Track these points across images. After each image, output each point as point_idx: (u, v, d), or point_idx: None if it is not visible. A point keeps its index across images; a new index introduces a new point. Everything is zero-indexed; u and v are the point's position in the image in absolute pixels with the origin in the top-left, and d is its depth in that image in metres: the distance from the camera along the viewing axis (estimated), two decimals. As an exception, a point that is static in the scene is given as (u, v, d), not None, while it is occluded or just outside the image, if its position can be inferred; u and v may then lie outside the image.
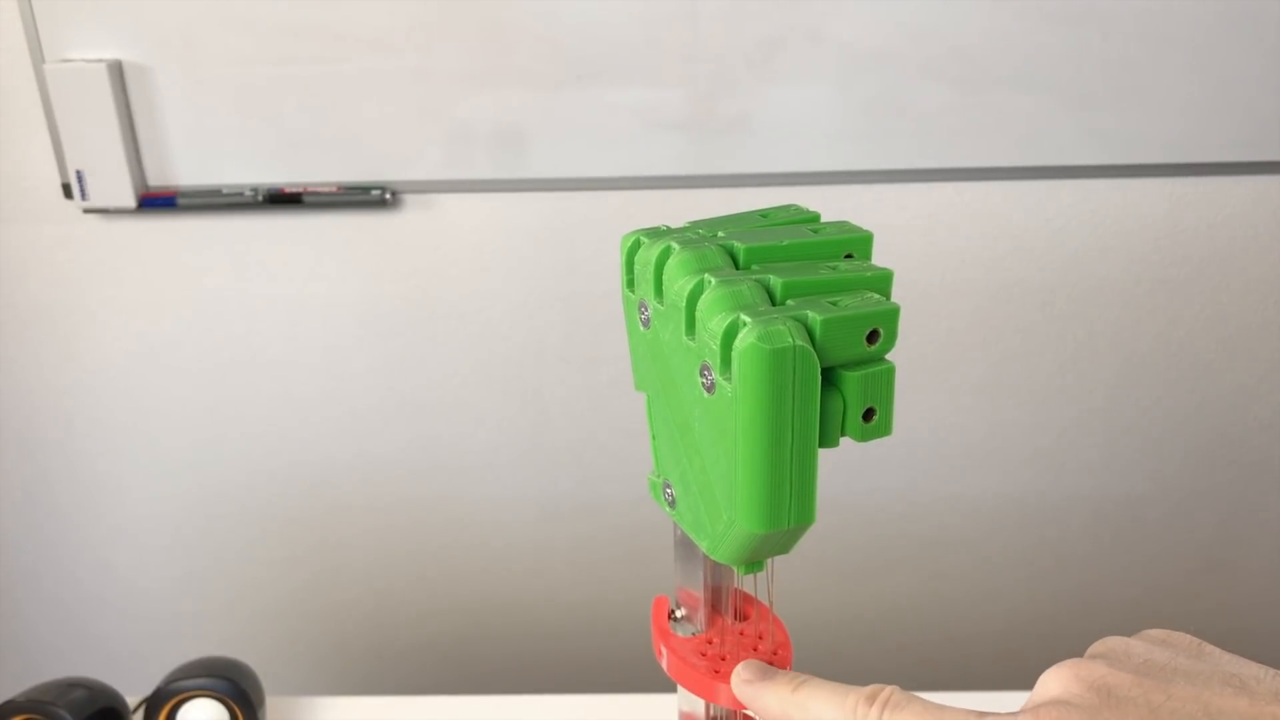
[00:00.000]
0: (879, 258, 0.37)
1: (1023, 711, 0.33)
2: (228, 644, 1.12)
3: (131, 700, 0.77)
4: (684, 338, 0.34)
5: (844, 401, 0.33)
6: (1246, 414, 1.02)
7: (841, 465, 1.02)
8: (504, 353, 0.99)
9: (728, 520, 0.34)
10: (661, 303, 0.36)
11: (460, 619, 1.12)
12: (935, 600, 1.11)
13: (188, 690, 0.72)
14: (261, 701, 0.75)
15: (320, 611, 1.12)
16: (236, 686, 0.73)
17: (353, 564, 1.09)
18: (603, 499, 1.06)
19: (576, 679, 1.14)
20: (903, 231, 0.94)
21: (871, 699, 0.34)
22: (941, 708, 0.34)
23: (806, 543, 1.17)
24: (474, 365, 1.00)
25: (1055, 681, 0.33)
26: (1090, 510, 1.07)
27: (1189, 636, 0.36)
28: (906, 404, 1.01)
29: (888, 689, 0.34)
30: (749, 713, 0.44)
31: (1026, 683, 1.14)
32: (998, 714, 0.33)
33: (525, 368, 1.00)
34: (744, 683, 0.38)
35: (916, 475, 1.04)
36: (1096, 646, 0.36)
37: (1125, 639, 0.36)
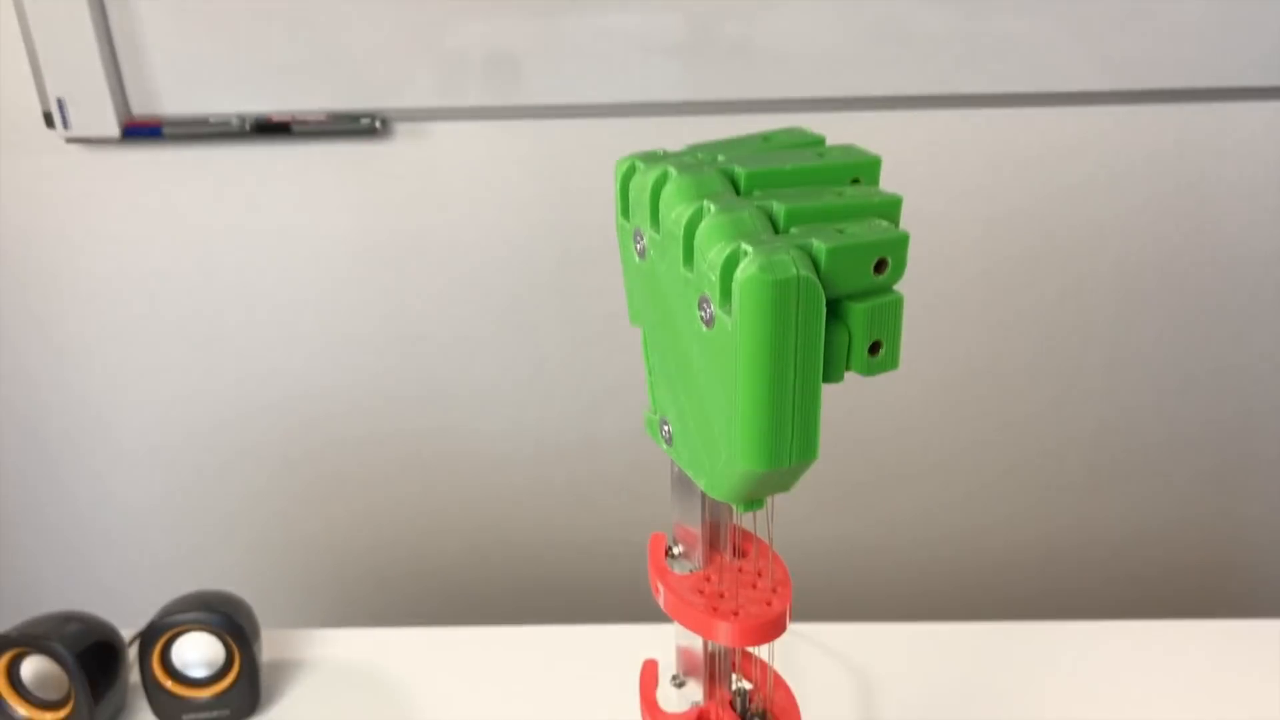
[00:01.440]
0: (881, 186, 0.35)
1: None
2: (224, 577, 1.12)
3: (127, 634, 0.76)
4: (681, 269, 0.33)
5: (849, 334, 0.32)
6: (1251, 343, 1.01)
7: (837, 393, 1.01)
8: (499, 285, 0.98)
9: (727, 458, 0.33)
10: (658, 231, 0.34)
11: (458, 551, 1.12)
12: (931, 529, 1.10)
13: (181, 624, 0.71)
14: (257, 634, 0.75)
15: (317, 544, 1.12)
16: (231, 620, 0.72)
17: (349, 496, 1.09)
18: (600, 432, 1.05)
19: (574, 610, 1.14)
20: (905, 159, 0.92)
21: None
22: None
23: (810, 478, 1.16)
24: (468, 298, 0.99)
25: None
26: (1090, 438, 1.06)
27: None
28: (906, 332, 1.00)
29: None
30: (749, 650, 0.43)
31: (1022, 612, 1.15)
32: None
33: (520, 300, 0.98)
34: None
35: (914, 404, 1.04)
36: None
37: None
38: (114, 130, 0.89)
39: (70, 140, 0.91)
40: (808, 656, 0.82)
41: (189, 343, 1.01)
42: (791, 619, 0.83)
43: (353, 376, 1.02)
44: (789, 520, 1.07)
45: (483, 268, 0.97)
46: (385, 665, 0.81)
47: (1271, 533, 1.11)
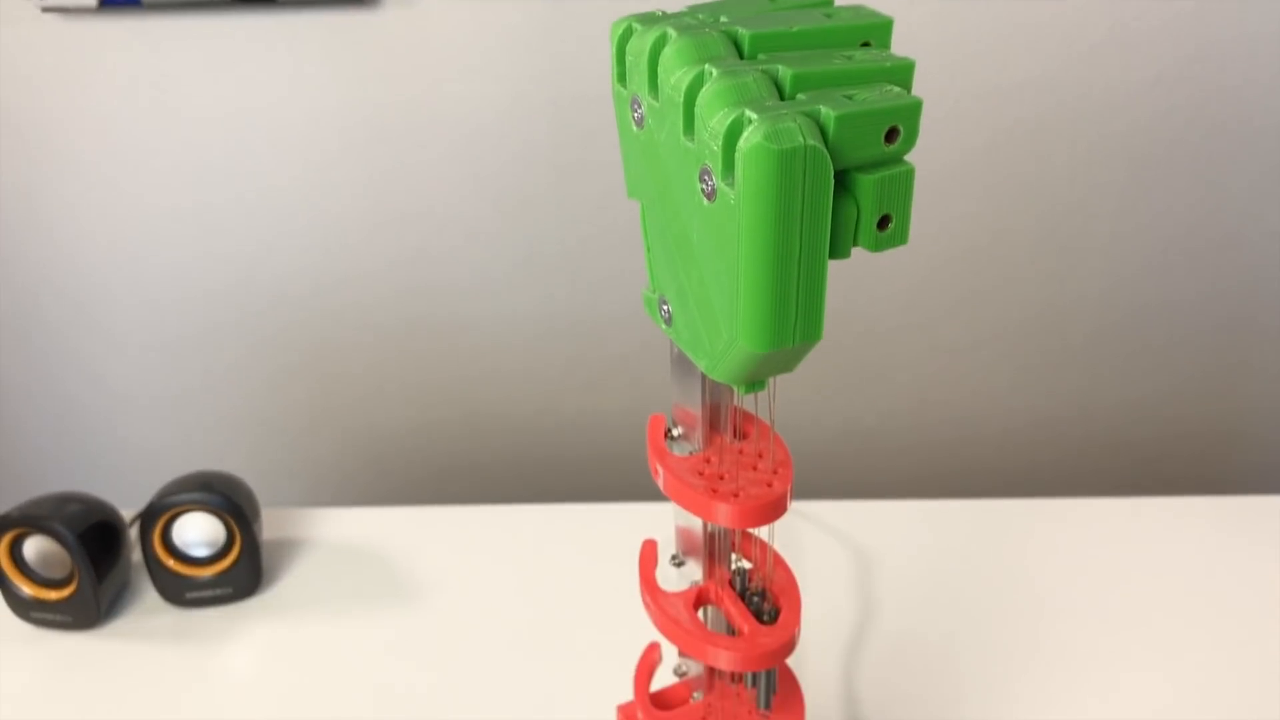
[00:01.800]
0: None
1: None
2: (224, 458, 1.12)
3: (127, 514, 0.77)
4: (682, 138, 0.31)
5: (858, 208, 0.30)
6: (1257, 219, 0.99)
7: (841, 273, 1.00)
8: (493, 161, 0.95)
9: (728, 338, 0.32)
10: (656, 99, 0.32)
11: (456, 431, 1.12)
12: (933, 407, 1.10)
13: (181, 504, 0.72)
14: (256, 514, 0.76)
15: (316, 424, 1.12)
16: (230, 500, 0.72)
17: (347, 376, 1.08)
18: (598, 312, 1.04)
19: (572, 489, 1.15)
20: (912, 26, 0.89)
21: None
22: None
23: (808, 360, 1.14)
24: (462, 175, 0.96)
25: None
26: (1093, 316, 1.05)
27: None
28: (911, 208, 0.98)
29: None
30: (751, 530, 0.43)
31: (1022, 490, 1.15)
32: None
33: (516, 177, 0.96)
34: None
35: (917, 283, 1.02)
36: None
37: None
38: (89, -2, 0.85)
39: (46, 10, 0.88)
40: (806, 534, 0.82)
41: (178, 223, 0.99)
42: (791, 499, 0.83)
43: (347, 256, 1.01)
44: (787, 401, 1.07)
45: (476, 143, 0.94)
46: (385, 543, 0.82)
47: (1273, 409, 1.11)
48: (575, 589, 0.75)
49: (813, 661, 0.69)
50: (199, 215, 0.99)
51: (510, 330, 1.05)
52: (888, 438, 1.12)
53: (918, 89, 0.31)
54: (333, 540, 0.83)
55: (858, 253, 0.32)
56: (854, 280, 1.01)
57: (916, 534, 0.82)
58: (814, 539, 0.81)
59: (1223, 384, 1.10)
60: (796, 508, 0.84)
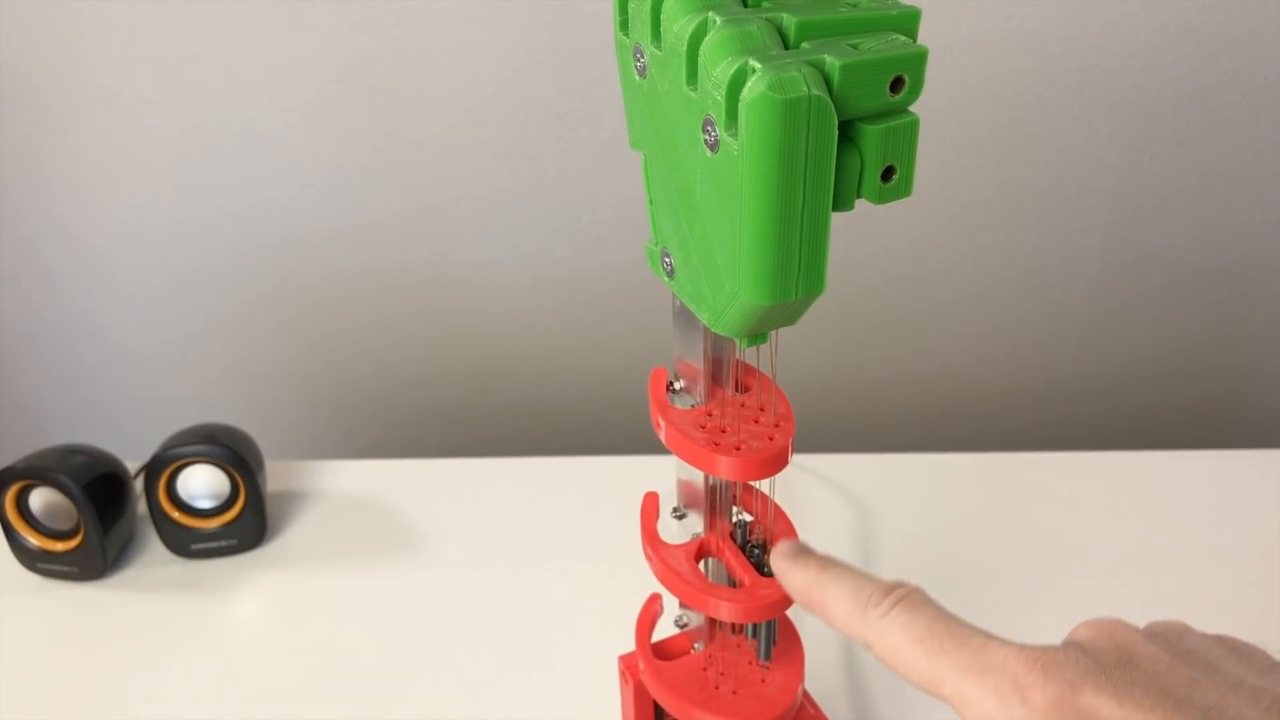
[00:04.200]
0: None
1: (1038, 646, 0.31)
2: (228, 410, 1.13)
3: (132, 466, 0.77)
4: (684, 88, 0.31)
5: (861, 159, 0.30)
6: (1265, 171, 0.98)
7: (843, 226, 0.99)
8: (494, 110, 0.94)
9: (730, 291, 0.32)
10: (659, 47, 0.32)
11: (460, 383, 1.12)
12: (934, 363, 1.10)
13: (185, 457, 0.72)
14: (261, 466, 0.76)
15: (319, 376, 1.12)
16: (234, 452, 0.73)
17: (349, 328, 1.08)
18: (601, 265, 1.03)
19: (576, 441, 1.15)
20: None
21: (888, 592, 0.34)
22: (952, 618, 0.33)
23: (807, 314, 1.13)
24: (463, 125, 0.95)
25: (1086, 630, 0.33)
26: (1095, 272, 1.04)
27: (1268, 655, 0.33)
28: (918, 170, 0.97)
29: (908, 586, 0.34)
30: (752, 483, 0.43)
31: (1020, 444, 1.15)
32: (1007, 641, 0.32)
33: (517, 126, 0.95)
34: (779, 555, 0.38)
35: (919, 236, 1.01)
36: (1156, 625, 0.34)
37: (1196, 631, 0.34)
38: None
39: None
40: (807, 487, 0.83)
41: (179, 170, 0.98)
42: (793, 452, 0.83)
43: (347, 207, 1.00)
44: (790, 354, 1.07)
45: (477, 91, 0.93)
46: (389, 496, 0.83)
47: (1275, 363, 1.11)
48: (579, 541, 0.75)
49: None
50: (195, 166, 0.98)
51: (512, 281, 1.05)
52: (889, 391, 1.12)
53: (923, 40, 0.31)
54: (337, 492, 0.83)
55: (860, 204, 0.32)
56: (856, 233, 1.00)
57: (918, 486, 0.82)
58: (815, 492, 0.82)
59: (1225, 338, 1.09)
60: (798, 461, 0.84)
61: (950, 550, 0.75)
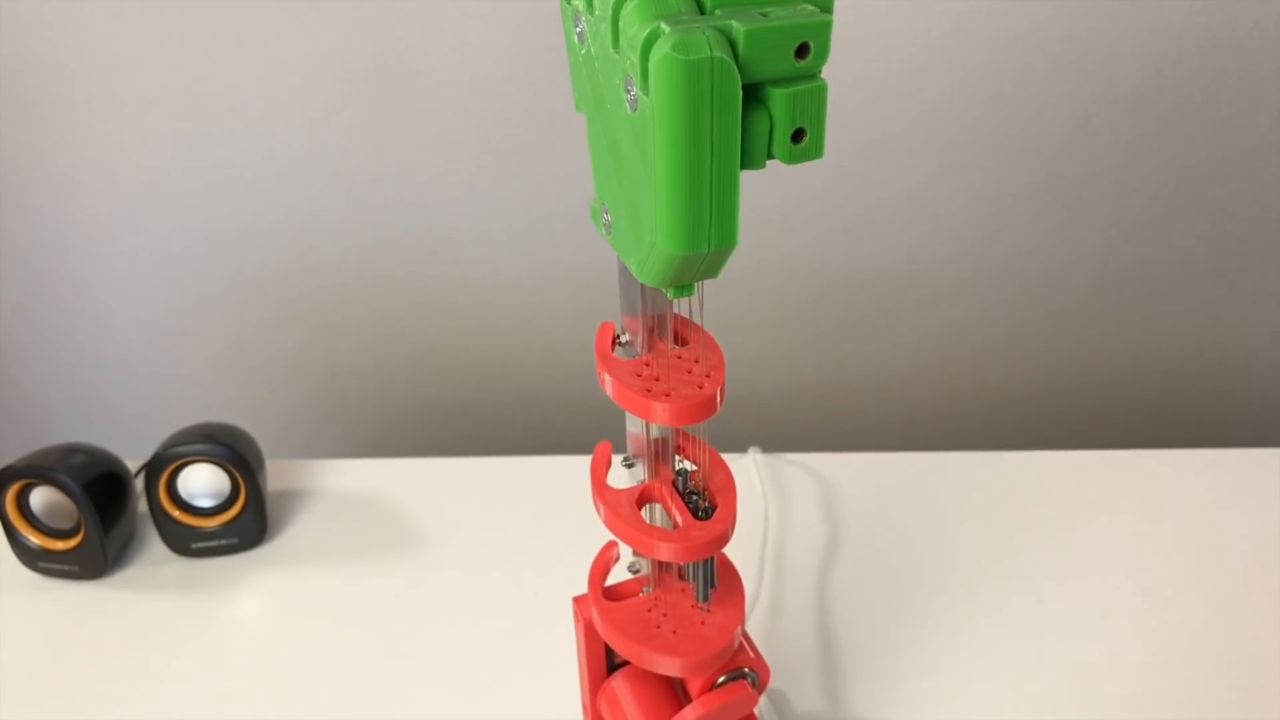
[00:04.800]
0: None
1: None
2: (229, 409, 1.14)
3: (133, 465, 0.78)
4: (611, 50, 0.33)
5: (771, 120, 0.33)
6: (1263, 169, 0.98)
7: (839, 225, 1.01)
8: (494, 110, 0.96)
9: (650, 242, 0.34)
10: (592, 13, 0.34)
11: (460, 381, 1.14)
12: (931, 361, 1.12)
13: (185, 456, 0.73)
14: (261, 465, 0.76)
15: (319, 374, 1.14)
16: (234, 451, 0.73)
17: (350, 327, 1.10)
18: (601, 262, 1.05)
19: (577, 440, 1.16)
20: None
21: None
22: None
23: (801, 304, 1.19)
24: (463, 125, 0.97)
25: None
26: (1094, 270, 1.06)
27: None
28: (912, 158, 0.98)
29: None
30: (686, 429, 0.46)
31: (1018, 443, 1.15)
32: None
33: (517, 126, 0.97)
34: None
35: (916, 235, 1.03)
36: None
37: None
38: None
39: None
40: (804, 485, 0.83)
41: (180, 169, 1.00)
42: (781, 449, 0.85)
43: (347, 208, 1.02)
44: (785, 350, 1.09)
45: (477, 91, 0.95)
46: (390, 495, 0.83)
47: (1272, 363, 1.11)
48: (580, 540, 0.76)
49: (792, 588, 0.71)
50: (196, 165, 1.00)
51: (512, 280, 1.06)
52: (885, 388, 1.14)
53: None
54: (337, 491, 0.84)
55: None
56: (854, 229, 1.02)
57: (909, 485, 0.83)
58: (811, 490, 0.83)
59: (1224, 335, 1.10)
60: (793, 459, 0.85)
61: (947, 549, 0.76)
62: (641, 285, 0.40)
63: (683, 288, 0.37)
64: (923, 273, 1.05)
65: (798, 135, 0.33)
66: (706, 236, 0.33)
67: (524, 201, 1.01)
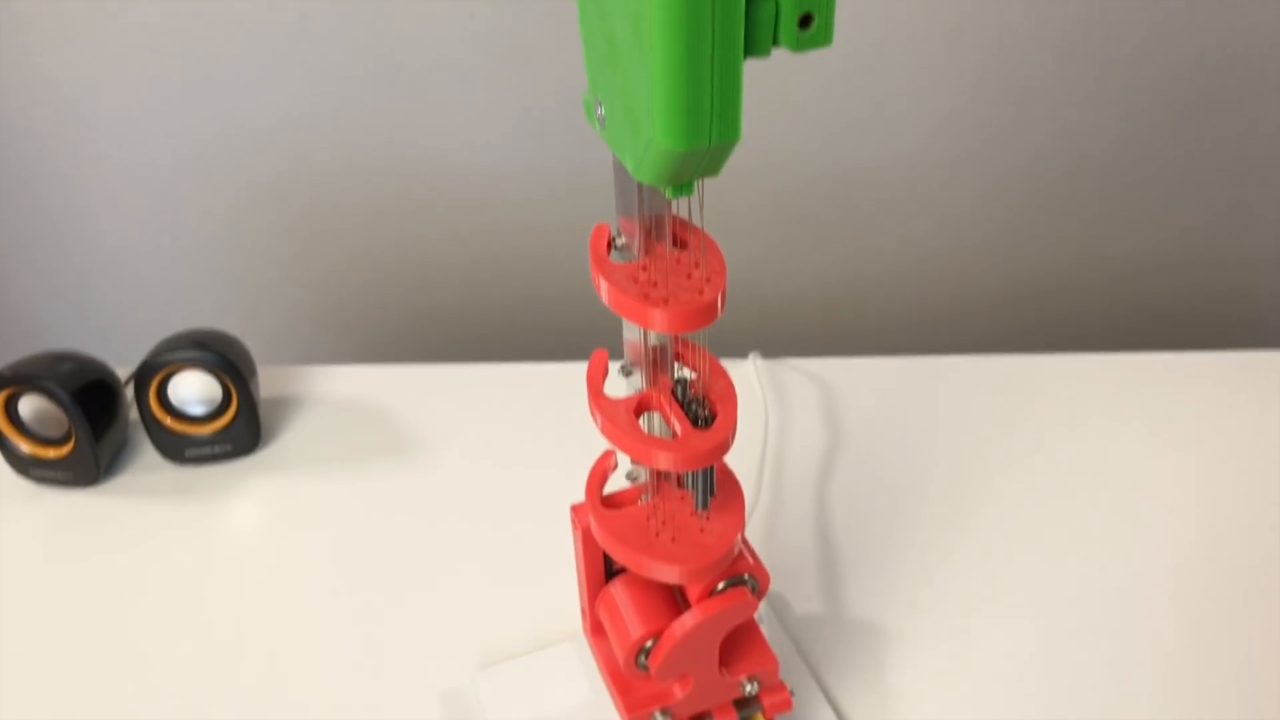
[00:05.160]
0: None
1: None
2: (222, 316, 1.12)
3: (123, 373, 0.77)
4: (604, -72, 0.31)
5: (777, 5, 0.30)
6: (1277, 65, 0.96)
7: (844, 122, 0.98)
8: (487, 4, 0.92)
9: (647, 137, 0.32)
10: (583, -111, 0.32)
11: (455, 286, 1.12)
12: (936, 264, 1.10)
13: (174, 362, 0.71)
14: (252, 371, 0.75)
15: (312, 280, 1.12)
16: (224, 358, 0.72)
17: (342, 230, 1.08)
18: (597, 163, 1.02)
19: (573, 346, 1.15)
20: None
21: None
22: None
23: (804, 205, 1.17)
24: (456, 19, 0.93)
25: None
26: (1101, 169, 1.03)
27: None
28: (919, 54, 0.95)
29: None
30: (685, 336, 0.44)
31: (1023, 346, 1.14)
32: None
33: (512, 20, 0.93)
34: None
35: (923, 133, 1.00)
36: None
37: None
38: None
39: None
40: (804, 391, 0.82)
41: (166, 75, 0.97)
42: (782, 354, 0.83)
43: (339, 106, 0.99)
44: (787, 255, 1.07)
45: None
46: (385, 401, 0.82)
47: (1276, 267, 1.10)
48: (576, 447, 0.75)
49: (792, 493, 0.71)
50: (185, 66, 0.97)
51: (507, 183, 1.04)
52: (886, 292, 1.12)
53: None
54: (332, 398, 0.83)
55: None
56: (859, 127, 0.99)
57: (911, 389, 0.82)
58: (812, 396, 0.82)
59: (1232, 238, 1.08)
60: (795, 364, 0.84)
61: (949, 454, 0.75)
62: (638, 184, 0.39)
63: (682, 187, 0.35)
64: (928, 173, 1.03)
65: (805, 20, 0.31)
66: (707, 130, 0.31)
67: (518, 100, 0.98)
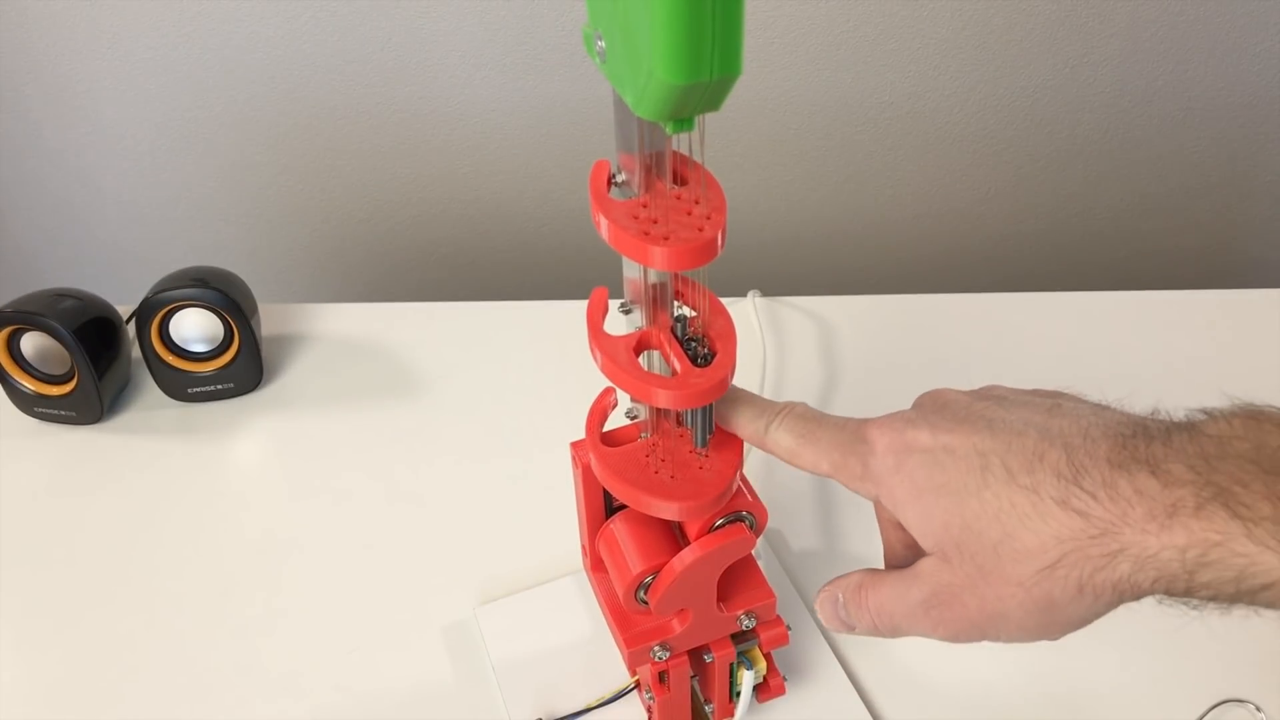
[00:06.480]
0: None
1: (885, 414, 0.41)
2: (222, 254, 1.12)
3: (124, 311, 0.77)
4: None
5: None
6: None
7: (846, 61, 0.97)
8: None
9: (648, 70, 0.32)
10: None
11: (457, 225, 1.11)
12: (936, 200, 1.09)
13: (175, 300, 0.71)
14: (254, 309, 0.75)
15: (313, 218, 1.11)
16: (225, 295, 0.71)
17: (343, 168, 1.07)
18: (599, 99, 1.01)
19: (576, 285, 1.14)
20: None
21: (779, 410, 0.43)
22: (824, 416, 0.42)
23: (804, 142, 1.16)
24: None
25: (921, 396, 0.42)
26: (1104, 106, 1.02)
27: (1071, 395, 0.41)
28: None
29: (794, 403, 0.43)
30: (685, 274, 0.44)
31: (1022, 284, 1.14)
32: (862, 419, 0.41)
33: None
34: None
35: (923, 68, 0.99)
36: (980, 389, 0.42)
37: (1009, 386, 0.42)
38: None
39: None
40: (804, 328, 0.82)
41: (163, 11, 0.95)
42: (781, 293, 0.83)
43: (336, 41, 0.97)
44: (790, 196, 1.06)
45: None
46: (387, 339, 0.82)
47: (1277, 205, 1.09)
48: (578, 384, 0.75)
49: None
50: (183, 2, 0.95)
51: (507, 117, 1.03)
52: (886, 229, 1.12)
53: None
54: (334, 335, 0.83)
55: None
56: (859, 61, 0.98)
57: (909, 327, 0.82)
58: (813, 333, 0.82)
59: (1229, 176, 1.08)
60: (795, 303, 0.84)
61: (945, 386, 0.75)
62: (638, 119, 0.38)
63: (682, 122, 0.35)
64: (929, 108, 1.02)
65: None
66: (708, 64, 0.31)
67: (518, 35, 0.97)
